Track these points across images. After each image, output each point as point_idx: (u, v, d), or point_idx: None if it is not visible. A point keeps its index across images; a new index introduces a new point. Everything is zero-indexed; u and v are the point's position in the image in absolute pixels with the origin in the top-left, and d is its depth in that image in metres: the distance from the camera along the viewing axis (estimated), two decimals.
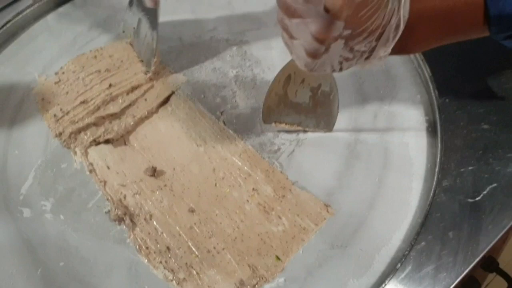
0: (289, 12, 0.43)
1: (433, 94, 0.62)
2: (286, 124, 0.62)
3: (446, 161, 0.57)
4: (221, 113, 0.65)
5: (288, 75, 0.57)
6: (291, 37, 0.46)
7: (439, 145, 0.58)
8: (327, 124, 0.61)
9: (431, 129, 0.61)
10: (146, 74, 0.68)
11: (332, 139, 0.61)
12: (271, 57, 0.70)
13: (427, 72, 0.64)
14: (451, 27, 0.47)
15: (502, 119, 0.60)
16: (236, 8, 0.78)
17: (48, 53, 0.73)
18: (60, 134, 0.63)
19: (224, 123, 0.64)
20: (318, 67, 0.47)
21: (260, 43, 0.72)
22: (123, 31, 0.74)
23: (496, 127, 0.59)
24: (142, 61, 0.70)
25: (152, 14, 0.65)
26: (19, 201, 0.58)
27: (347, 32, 0.42)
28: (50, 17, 0.79)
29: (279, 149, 0.61)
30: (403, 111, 0.63)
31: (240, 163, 0.59)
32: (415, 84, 0.66)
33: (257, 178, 0.58)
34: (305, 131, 0.62)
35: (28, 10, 0.78)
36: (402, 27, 0.44)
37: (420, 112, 0.63)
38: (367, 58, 0.46)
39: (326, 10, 0.40)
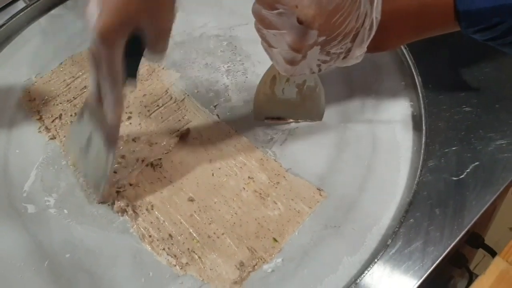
0: (264, 23, 0.45)
1: (416, 81, 0.65)
2: (277, 119, 0.64)
3: (431, 142, 0.59)
4: (215, 106, 0.67)
5: (273, 76, 0.59)
6: (270, 45, 0.48)
7: (424, 128, 0.60)
8: (316, 114, 0.63)
9: (416, 114, 0.63)
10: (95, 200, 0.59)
11: (322, 127, 0.64)
12: (261, 51, 0.72)
13: (410, 60, 0.67)
14: (423, 24, 0.49)
15: (482, 101, 0.63)
16: (225, 5, 0.80)
17: (43, 54, 0.75)
18: (54, 137, 0.65)
19: (218, 116, 0.66)
20: (297, 72, 0.49)
21: (249, 38, 0.75)
22: (63, 151, 0.63)
23: (477, 109, 0.62)
24: (87, 187, 0.60)
25: (110, 130, 0.53)
26: (23, 198, 0.60)
27: (322, 38, 0.44)
28: (43, 20, 0.81)
29: (272, 138, 0.64)
30: (389, 98, 0.66)
31: (235, 153, 0.62)
32: (399, 72, 0.69)
33: (252, 166, 0.60)
34: (296, 122, 0.64)
35: (21, 14, 0.79)
36: (375, 27, 0.46)
37: (405, 98, 0.65)
38: (344, 58, 0.48)
39: (299, 21, 0.42)
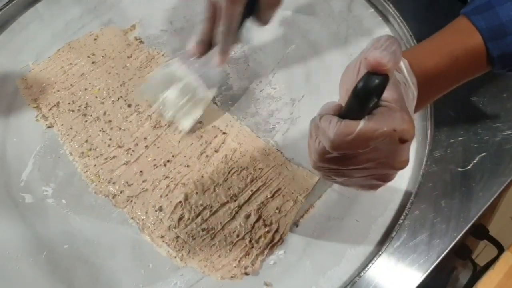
0: (349, 163, 0.39)
1: None
2: None
3: (437, 132, 0.58)
4: (216, 95, 0.66)
5: None
6: (351, 177, 0.42)
7: (429, 117, 0.59)
8: None
9: None
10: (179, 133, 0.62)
11: None
12: (262, 37, 0.71)
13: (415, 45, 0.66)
14: (456, 76, 0.47)
15: (489, 90, 0.61)
16: None
17: (41, 40, 0.73)
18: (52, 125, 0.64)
19: (219, 105, 0.65)
20: None
21: (250, 25, 0.73)
22: (142, 93, 0.65)
23: (484, 98, 0.61)
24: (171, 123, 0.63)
25: (211, 76, 0.61)
26: (20, 188, 0.59)
27: None
28: (40, 5, 0.79)
29: (274, 128, 0.62)
30: None
31: (237, 144, 0.60)
32: None
33: (254, 157, 0.59)
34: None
35: None
36: (416, 93, 0.43)
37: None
38: None
39: (402, 141, 0.37)
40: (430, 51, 0.46)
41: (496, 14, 0.44)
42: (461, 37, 0.45)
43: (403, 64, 0.43)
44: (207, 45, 0.59)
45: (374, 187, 0.43)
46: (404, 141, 0.37)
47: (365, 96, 0.36)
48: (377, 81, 0.35)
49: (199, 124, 0.63)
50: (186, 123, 0.62)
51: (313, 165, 0.42)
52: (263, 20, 0.58)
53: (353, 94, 0.36)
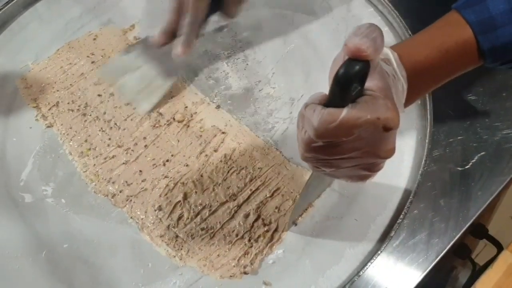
0: (334, 152, 0.39)
1: None
2: None
3: (436, 132, 0.58)
4: (215, 94, 0.66)
5: None
6: (338, 167, 0.42)
7: (428, 117, 0.59)
8: None
9: (421, 102, 0.62)
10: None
11: None
12: (261, 37, 0.71)
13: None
14: (447, 70, 0.46)
15: (487, 89, 0.62)
16: None
17: (40, 40, 0.73)
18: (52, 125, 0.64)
19: (218, 104, 0.65)
20: None
21: (250, 24, 0.73)
22: (99, 77, 0.68)
23: (483, 97, 0.61)
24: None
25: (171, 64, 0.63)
26: (20, 187, 0.59)
27: None
28: (40, 5, 0.79)
29: (273, 127, 0.62)
30: None
31: (236, 143, 0.61)
32: None
33: (253, 156, 0.59)
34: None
35: None
36: (405, 85, 0.43)
37: None
38: None
39: (387, 129, 0.37)
40: (420, 44, 0.46)
41: (486, 7, 0.44)
42: (451, 30, 0.45)
43: (392, 57, 0.43)
44: (170, 35, 0.61)
45: (362, 178, 0.43)
46: (388, 129, 0.37)
47: (346, 82, 0.36)
48: (357, 67, 0.35)
49: (157, 114, 0.64)
50: (144, 106, 0.64)
51: (301, 156, 0.42)
52: (229, 15, 0.62)
53: (335, 81, 0.36)
